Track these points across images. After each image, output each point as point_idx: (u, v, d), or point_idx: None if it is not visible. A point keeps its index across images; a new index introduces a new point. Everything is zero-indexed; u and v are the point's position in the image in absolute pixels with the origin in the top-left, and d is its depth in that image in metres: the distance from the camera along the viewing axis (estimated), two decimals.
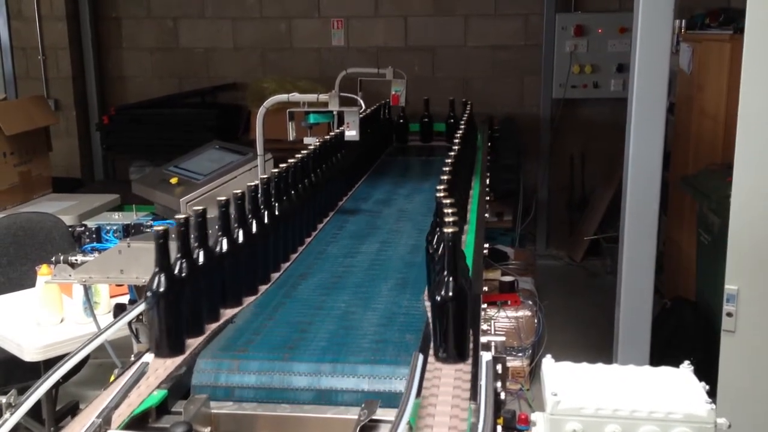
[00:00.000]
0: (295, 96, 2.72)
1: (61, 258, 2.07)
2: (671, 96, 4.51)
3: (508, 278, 4.21)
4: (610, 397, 1.21)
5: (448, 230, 1.43)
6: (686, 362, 1.28)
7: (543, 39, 5.88)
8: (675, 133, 4.56)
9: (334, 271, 1.98)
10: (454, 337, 1.44)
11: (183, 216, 1.44)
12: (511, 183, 5.61)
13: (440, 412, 1.26)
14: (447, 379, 1.38)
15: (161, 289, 1.41)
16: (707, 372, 2.45)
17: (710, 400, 1.19)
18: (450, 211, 1.54)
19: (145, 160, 5.58)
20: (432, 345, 1.48)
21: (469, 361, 1.45)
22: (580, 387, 1.24)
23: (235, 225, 1.72)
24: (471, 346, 1.47)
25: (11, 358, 2.64)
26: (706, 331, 3.45)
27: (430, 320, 1.52)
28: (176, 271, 1.45)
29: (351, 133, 2.63)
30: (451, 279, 1.42)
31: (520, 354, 3.97)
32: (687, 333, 3.67)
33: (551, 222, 6.19)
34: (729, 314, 2.48)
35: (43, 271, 2.58)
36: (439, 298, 1.43)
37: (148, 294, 1.41)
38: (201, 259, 1.54)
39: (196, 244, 1.54)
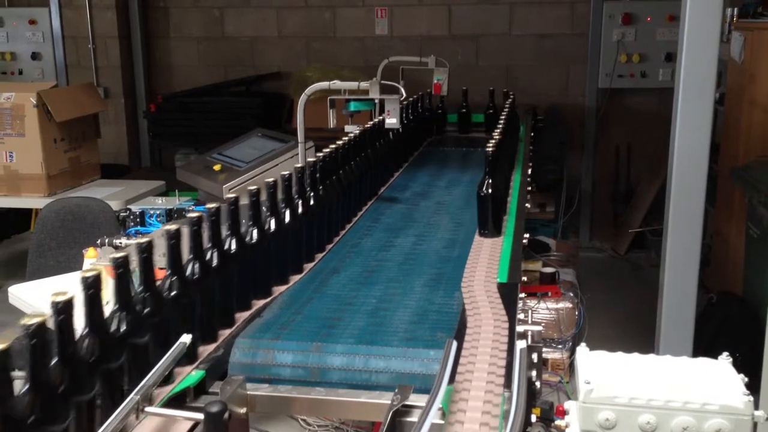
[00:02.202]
0: (336, 84, 2.70)
1: (106, 241, 2.12)
2: (722, 86, 4.40)
3: (549, 269, 4.16)
4: (645, 387, 1.18)
5: (489, 149, 2.11)
6: (725, 354, 1.25)
7: (590, 27, 5.78)
8: (725, 124, 4.45)
9: (367, 265, 1.93)
10: (492, 219, 2.10)
11: (214, 205, 1.43)
12: (554, 174, 5.53)
13: (473, 396, 1.26)
14: (486, 244, 2.05)
15: (195, 276, 1.38)
16: (754, 367, 2.40)
17: (748, 392, 1.16)
18: (495, 138, 2.28)
19: (190, 148, 5.67)
20: (477, 228, 2.13)
21: (502, 236, 2.11)
22: (614, 376, 1.22)
23: (268, 214, 1.68)
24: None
25: None
26: (754, 326, 3.37)
27: (477, 210, 2.13)
28: (207, 260, 1.42)
29: (391, 121, 2.62)
30: (490, 180, 2.09)
31: (560, 346, 3.94)
32: (734, 328, 3.58)
33: (595, 214, 6.10)
34: None
35: (90, 254, 2.62)
36: (482, 194, 2.10)
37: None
38: (233, 248, 1.50)
39: (228, 233, 1.50)
